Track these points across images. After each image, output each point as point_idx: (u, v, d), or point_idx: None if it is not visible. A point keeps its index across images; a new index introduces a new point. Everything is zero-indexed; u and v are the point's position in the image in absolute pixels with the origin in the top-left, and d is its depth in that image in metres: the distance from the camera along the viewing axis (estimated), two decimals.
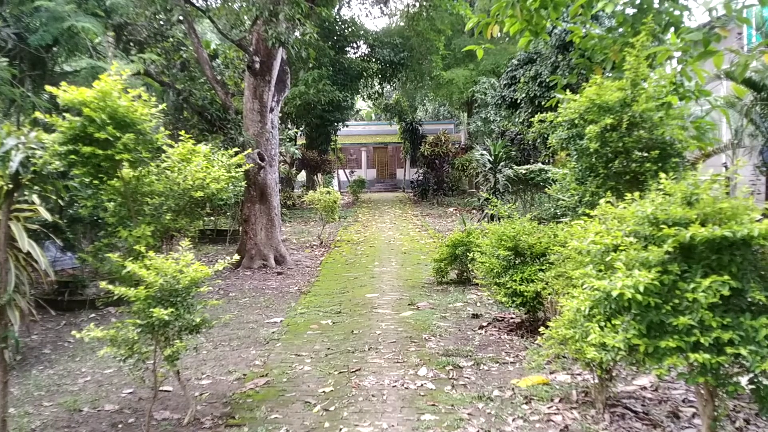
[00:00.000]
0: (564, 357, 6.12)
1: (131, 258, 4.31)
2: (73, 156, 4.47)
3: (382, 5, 28.28)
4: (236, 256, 4.86)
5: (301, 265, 14.06)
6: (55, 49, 9.70)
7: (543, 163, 18.87)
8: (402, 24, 31.03)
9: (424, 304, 9.35)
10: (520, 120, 19.26)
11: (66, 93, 4.47)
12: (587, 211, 4.92)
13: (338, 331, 7.92)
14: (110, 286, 4.06)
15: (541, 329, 5.28)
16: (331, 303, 9.75)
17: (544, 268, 7.06)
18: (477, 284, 10.40)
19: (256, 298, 10.52)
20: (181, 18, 13.38)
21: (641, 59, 6.80)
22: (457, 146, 32.73)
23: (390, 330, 7.89)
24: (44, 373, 6.78)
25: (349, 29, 29.33)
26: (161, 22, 13.56)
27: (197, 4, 14.53)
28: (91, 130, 4.42)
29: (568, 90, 7.52)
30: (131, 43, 12.74)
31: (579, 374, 5.91)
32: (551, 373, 5.98)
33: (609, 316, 3.63)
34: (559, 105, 7.52)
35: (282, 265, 13.78)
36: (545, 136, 18.39)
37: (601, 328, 3.61)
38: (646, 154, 6.60)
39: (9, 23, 9.06)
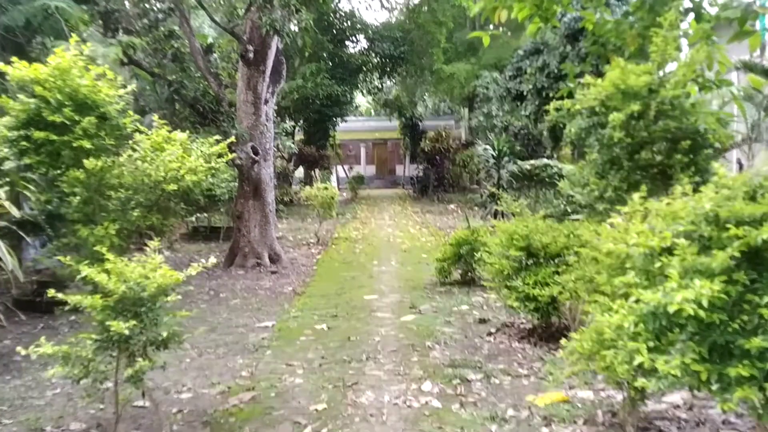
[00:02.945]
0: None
1: (88, 261, 3.67)
2: (24, 142, 3.83)
3: None
4: (212, 259, 4.23)
5: (297, 264, 13.43)
6: (38, 38, 9.09)
7: (548, 158, 18.24)
8: (402, 18, 30.43)
9: (426, 307, 8.73)
10: (527, 113, 18.60)
11: (17, 69, 3.83)
12: (620, 207, 4.29)
13: (334, 338, 7.29)
14: (59, 294, 3.42)
15: (563, 341, 4.66)
16: (327, 305, 9.12)
17: (560, 270, 6.43)
18: (483, 285, 9.78)
19: (248, 300, 9.90)
20: (172, 6, 12.75)
21: (669, 40, 6.16)
22: (457, 142, 32.09)
23: (390, 336, 7.27)
24: (10, 384, 6.14)
25: (348, 22, 28.66)
26: (151, 10, 12.92)
27: None
28: (46, 112, 3.78)
29: (579, 80, 6.93)
30: (119, 32, 12.12)
31: (602, 390, 5.28)
32: (571, 388, 5.35)
33: (658, 335, 3.00)
34: (571, 95, 6.90)
35: (277, 264, 13.14)
36: (553, 129, 17.83)
37: (650, 349, 2.97)
38: (674, 145, 5.99)
39: None
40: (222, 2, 16.48)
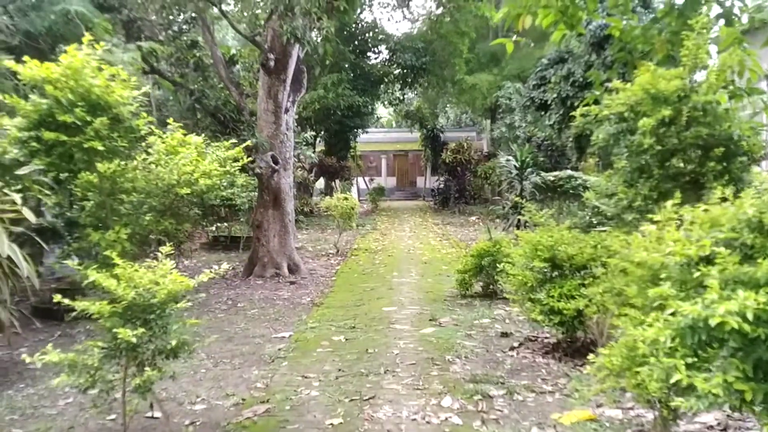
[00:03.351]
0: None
1: (97, 266, 3.55)
2: (34, 143, 3.73)
3: (404, 8, 27.58)
4: (225, 265, 4.08)
5: (316, 275, 13.29)
6: (61, 45, 9.10)
7: (572, 169, 17.93)
8: (424, 28, 30.34)
9: (446, 319, 8.51)
10: (551, 122, 18.30)
11: (28, 69, 3.74)
12: (651, 216, 4.08)
13: (351, 350, 7.11)
14: (66, 300, 3.30)
15: (591, 357, 4.44)
16: (345, 317, 8.95)
17: (586, 282, 6.19)
18: (505, 298, 9.56)
19: (266, 310, 9.76)
20: (194, 15, 12.80)
21: (701, 44, 5.94)
22: (479, 154, 31.82)
23: (409, 349, 7.07)
24: (23, 392, 6.05)
25: (370, 33, 28.65)
26: (172, 18, 12.99)
27: None
28: (58, 113, 3.69)
29: (607, 86, 6.73)
30: (142, 40, 12.17)
31: (631, 408, 5.04)
32: (598, 406, 5.11)
33: (696, 351, 2.78)
34: (597, 102, 6.69)
35: (295, 274, 13.01)
36: (578, 138, 17.53)
37: (688, 366, 2.76)
38: (706, 153, 5.76)
39: (12, 14, 8.48)
40: (245, 14, 16.56)
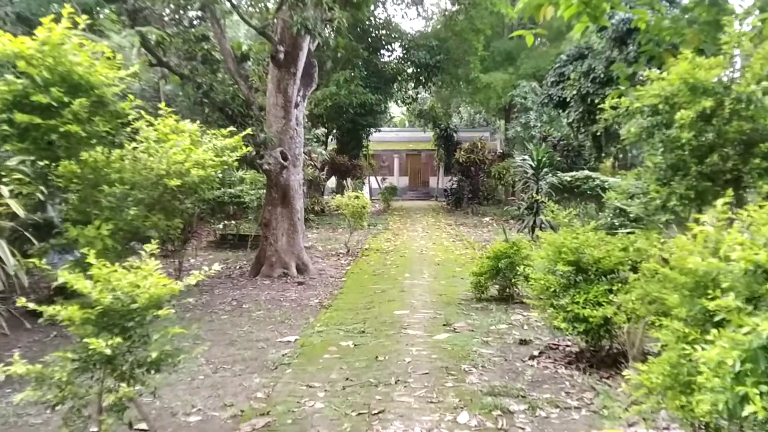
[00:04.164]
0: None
1: (70, 266, 3.13)
2: (5, 127, 3.31)
3: (418, 6, 27.13)
4: (216, 266, 3.64)
5: (325, 275, 12.86)
6: None
7: (590, 170, 17.39)
8: (439, 26, 29.86)
9: (461, 324, 8.05)
10: (569, 121, 17.72)
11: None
12: (697, 216, 3.61)
13: (360, 357, 6.67)
14: (31, 304, 2.89)
15: (625, 373, 3.98)
16: (354, 320, 8.51)
17: (614, 288, 5.72)
18: (522, 302, 9.09)
19: (272, 312, 9.35)
20: (203, 7, 12.41)
21: (744, 31, 5.45)
22: (493, 154, 31.25)
23: (422, 357, 6.62)
24: (9, 398, 5.66)
25: (384, 30, 28.20)
26: (181, 11, 12.61)
27: None
28: (32, 92, 3.27)
29: (640, 77, 6.27)
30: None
31: (666, 428, 4.56)
32: (630, 425, 4.63)
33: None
34: (622, 97, 6.22)
35: (304, 275, 12.60)
36: (597, 137, 16.97)
37: (761, 395, 2.29)
38: (749, 149, 5.27)
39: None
40: (256, 6, 16.16)
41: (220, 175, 4.28)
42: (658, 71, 5.74)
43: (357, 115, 27.42)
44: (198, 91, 12.21)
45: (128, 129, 3.80)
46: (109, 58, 3.61)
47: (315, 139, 24.95)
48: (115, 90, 3.59)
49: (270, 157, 12.14)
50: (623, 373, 3.89)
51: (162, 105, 4.15)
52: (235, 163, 4.42)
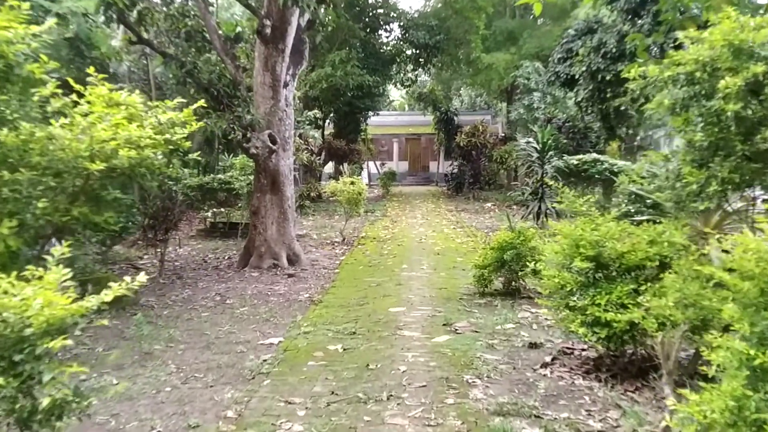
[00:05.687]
0: None
1: None
2: None
3: None
4: (142, 277, 2.84)
5: (318, 266, 12.08)
6: None
7: (598, 152, 16.53)
8: (439, 4, 28.87)
9: (463, 324, 7.27)
10: (578, 99, 16.78)
11: None
12: None
13: (349, 364, 5.89)
14: None
15: (670, 403, 3.22)
16: (345, 319, 7.73)
17: (641, 288, 4.93)
18: (529, 297, 8.32)
19: (257, 308, 8.58)
20: None
21: None
22: (495, 137, 30.33)
23: (419, 365, 5.83)
24: None
25: (382, 9, 27.23)
26: None
27: None
28: None
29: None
30: (127, 7, 10.96)
31: None
32: None
33: None
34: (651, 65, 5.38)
35: (295, 266, 11.82)
36: (607, 118, 16.06)
37: None
38: None
39: None
40: None
41: (164, 159, 3.43)
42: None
43: (354, 98, 26.52)
44: (181, 70, 11.36)
45: (35, 99, 3.00)
46: (12, 7, 2.79)
47: (308, 122, 24.01)
48: (21, 48, 2.77)
49: (257, 141, 11.32)
50: (667, 403, 3.11)
51: (91, 70, 3.31)
52: (187, 143, 3.57)
